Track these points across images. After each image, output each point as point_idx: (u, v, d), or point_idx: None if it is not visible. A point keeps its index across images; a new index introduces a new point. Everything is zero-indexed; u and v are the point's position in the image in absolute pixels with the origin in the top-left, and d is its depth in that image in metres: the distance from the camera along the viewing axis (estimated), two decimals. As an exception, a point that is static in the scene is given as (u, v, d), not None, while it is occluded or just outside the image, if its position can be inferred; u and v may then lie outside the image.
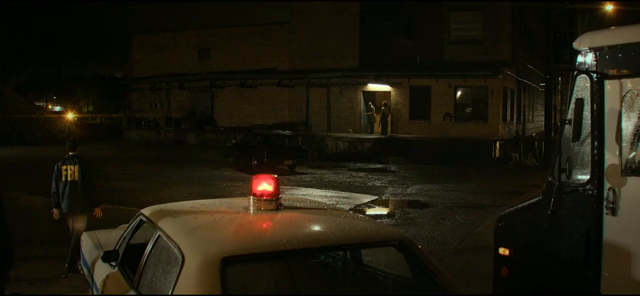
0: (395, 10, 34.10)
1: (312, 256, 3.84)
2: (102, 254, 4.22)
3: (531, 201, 4.71)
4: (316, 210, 4.15)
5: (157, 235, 3.60)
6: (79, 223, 7.81)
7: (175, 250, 3.22)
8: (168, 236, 3.40)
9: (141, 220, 4.12)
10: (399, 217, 11.96)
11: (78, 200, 7.76)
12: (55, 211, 7.87)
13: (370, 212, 12.97)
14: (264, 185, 3.77)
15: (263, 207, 3.78)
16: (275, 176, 3.88)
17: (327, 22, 33.02)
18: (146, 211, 4.11)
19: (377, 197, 14.83)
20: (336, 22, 32.74)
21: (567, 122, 4.17)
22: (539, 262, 4.48)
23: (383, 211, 13.27)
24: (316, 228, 3.55)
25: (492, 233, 10.60)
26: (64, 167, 7.77)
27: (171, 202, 13.04)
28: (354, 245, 3.58)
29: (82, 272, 5.61)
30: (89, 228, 8.62)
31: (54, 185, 7.79)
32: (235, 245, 3.20)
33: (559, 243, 4.31)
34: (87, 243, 5.33)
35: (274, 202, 3.81)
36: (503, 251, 4.76)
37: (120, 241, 4.38)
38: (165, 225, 3.58)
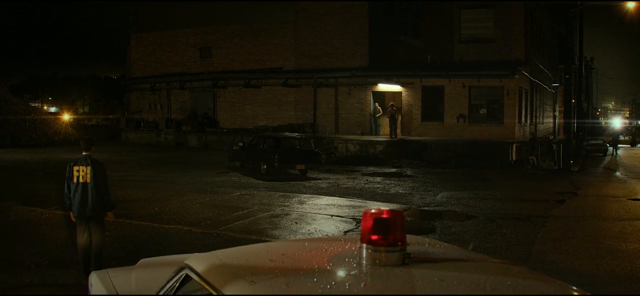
0: (404, 8, 32.83)
1: None
2: None
3: None
4: (462, 261, 2.73)
5: (224, 311, 2.22)
6: (95, 235, 7.33)
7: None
8: None
9: (187, 275, 2.73)
10: (441, 230, 10.64)
11: (89, 204, 7.24)
12: (71, 214, 7.43)
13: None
14: (383, 226, 2.42)
15: (384, 259, 2.41)
16: (398, 210, 2.53)
17: (335, 21, 31.71)
18: (196, 264, 2.65)
19: (407, 207, 13.48)
20: (344, 21, 31.44)
21: None
22: None
23: (420, 223, 11.94)
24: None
25: (555, 251, 9.39)
26: (76, 168, 7.28)
27: (182, 212, 11.81)
28: None
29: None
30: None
31: (66, 187, 7.35)
32: None
33: None
34: (99, 289, 3.92)
35: (399, 252, 2.46)
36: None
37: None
38: None
